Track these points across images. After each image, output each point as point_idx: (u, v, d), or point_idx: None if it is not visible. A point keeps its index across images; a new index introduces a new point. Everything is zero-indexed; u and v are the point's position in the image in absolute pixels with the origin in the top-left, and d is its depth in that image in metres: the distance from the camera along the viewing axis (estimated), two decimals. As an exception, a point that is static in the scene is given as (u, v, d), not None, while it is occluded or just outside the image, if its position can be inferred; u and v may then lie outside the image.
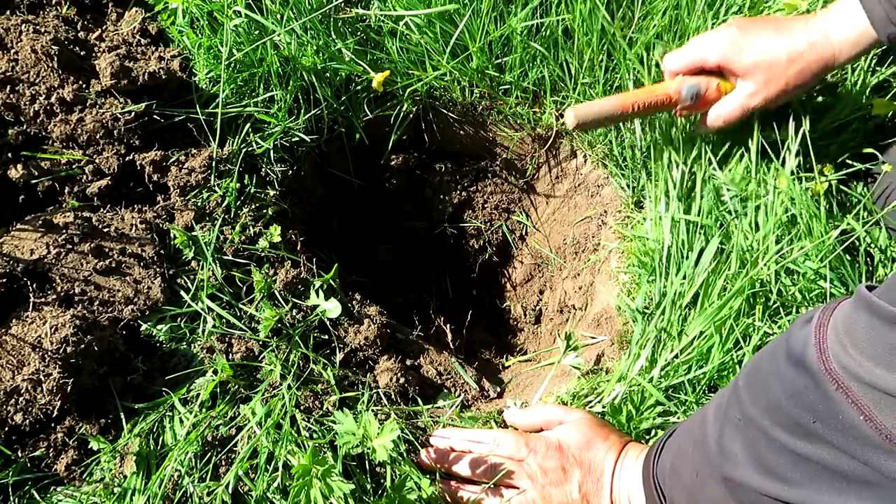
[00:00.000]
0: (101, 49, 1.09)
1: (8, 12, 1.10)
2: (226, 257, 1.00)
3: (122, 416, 0.86)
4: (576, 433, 0.86)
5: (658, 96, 1.02)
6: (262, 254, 1.04)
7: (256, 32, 1.12)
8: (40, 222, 0.94)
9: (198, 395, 0.88)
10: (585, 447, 0.85)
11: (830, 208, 1.00)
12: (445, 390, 1.05)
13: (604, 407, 0.94)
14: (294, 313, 0.98)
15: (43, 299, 0.89)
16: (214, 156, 1.05)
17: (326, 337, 0.99)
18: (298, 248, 1.10)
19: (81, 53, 1.07)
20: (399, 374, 0.97)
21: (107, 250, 0.95)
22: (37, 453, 0.83)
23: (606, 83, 1.20)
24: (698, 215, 1.04)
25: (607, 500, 0.83)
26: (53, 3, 1.16)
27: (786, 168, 1.03)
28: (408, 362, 1.04)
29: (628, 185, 1.18)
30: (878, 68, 1.17)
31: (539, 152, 1.38)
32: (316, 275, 1.04)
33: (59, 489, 0.84)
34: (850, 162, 1.09)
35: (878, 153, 1.07)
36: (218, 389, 0.89)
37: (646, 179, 1.14)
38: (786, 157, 1.06)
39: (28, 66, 1.02)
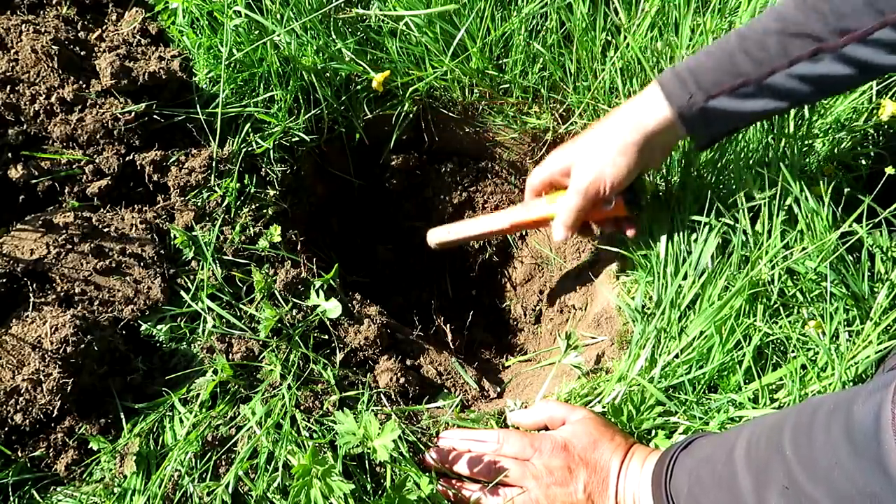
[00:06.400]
0: (101, 49, 1.09)
1: (8, 12, 1.10)
2: (226, 257, 1.00)
3: (122, 416, 0.86)
4: (582, 433, 0.86)
5: (535, 218, 1.11)
6: (262, 254, 1.04)
7: (256, 32, 1.12)
8: (40, 222, 0.94)
9: (198, 395, 0.88)
10: (591, 447, 0.85)
11: (832, 209, 1.00)
12: (445, 390, 1.04)
13: (604, 407, 0.93)
14: (294, 313, 0.98)
15: (43, 299, 0.89)
16: (214, 156, 1.05)
17: (326, 337, 0.99)
18: (298, 248, 1.10)
19: (81, 53, 1.07)
20: (399, 374, 0.97)
21: (107, 250, 0.95)
22: (37, 453, 0.83)
23: (604, 83, 1.20)
24: (698, 214, 1.04)
25: (612, 500, 0.83)
26: (53, 3, 1.16)
27: (788, 168, 1.03)
28: (408, 362, 1.04)
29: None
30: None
31: (539, 152, 1.38)
32: (316, 275, 1.04)
33: (59, 489, 0.84)
34: (854, 164, 1.09)
35: (884, 153, 1.07)
36: (218, 389, 0.89)
37: (646, 179, 1.13)
38: (788, 157, 1.06)
39: (28, 66, 1.02)
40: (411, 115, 1.29)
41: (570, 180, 1.02)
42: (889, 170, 0.98)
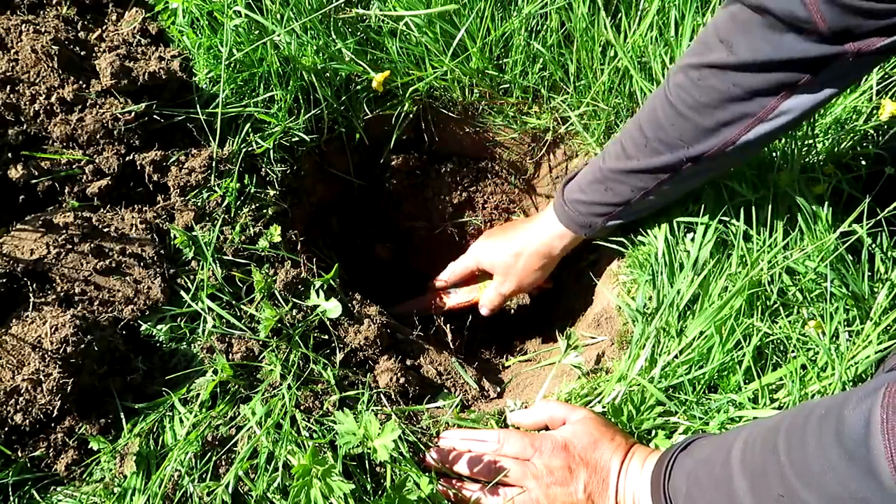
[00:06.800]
0: (101, 49, 1.09)
1: (8, 12, 1.10)
2: (226, 257, 1.00)
3: (122, 416, 0.86)
4: (582, 433, 0.86)
5: (467, 302, 1.39)
6: (262, 254, 1.04)
7: (256, 32, 1.12)
8: (40, 222, 0.94)
9: (198, 395, 0.88)
10: (592, 447, 0.85)
11: (832, 209, 1.00)
12: (445, 390, 1.04)
13: (604, 407, 0.93)
14: (294, 313, 0.98)
15: (43, 299, 0.89)
16: (214, 156, 1.05)
17: (326, 337, 0.99)
18: (298, 248, 1.10)
19: (81, 53, 1.07)
20: (399, 374, 0.97)
21: (107, 250, 0.95)
22: (37, 453, 0.83)
23: (605, 83, 1.20)
24: (698, 215, 1.04)
25: (612, 500, 0.84)
26: (53, 3, 1.16)
27: (787, 168, 1.03)
28: (408, 362, 1.04)
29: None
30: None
31: (539, 152, 1.38)
32: (316, 275, 1.04)
33: (59, 489, 0.84)
34: (853, 164, 1.09)
35: (884, 153, 1.07)
36: (218, 389, 0.89)
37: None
38: (788, 157, 1.06)
39: (28, 66, 1.02)
40: (411, 115, 1.29)
41: (494, 279, 1.27)
42: (889, 170, 0.98)
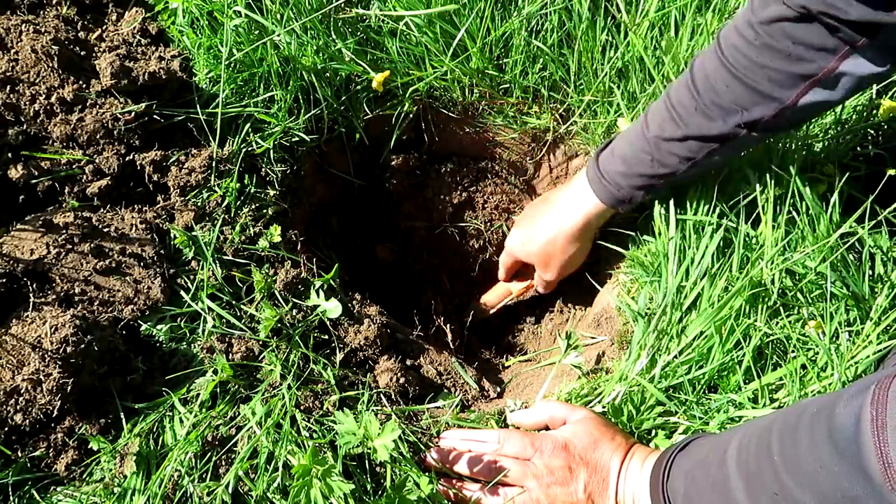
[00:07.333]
0: (101, 49, 1.09)
1: (8, 12, 1.10)
2: (226, 257, 1.00)
3: (122, 416, 0.86)
4: (583, 433, 0.86)
5: (502, 295, 1.44)
6: (262, 254, 1.04)
7: (256, 32, 1.12)
8: (40, 222, 0.94)
9: (198, 395, 0.88)
10: (592, 447, 0.85)
11: (832, 209, 1.00)
12: (445, 390, 1.04)
13: (604, 407, 0.93)
14: (294, 313, 0.97)
15: (43, 299, 0.89)
16: (214, 156, 1.05)
17: (326, 337, 0.99)
18: (298, 248, 1.10)
19: (81, 53, 1.07)
20: (399, 374, 0.97)
21: (107, 250, 0.95)
22: (37, 453, 0.83)
23: (607, 80, 1.20)
24: (701, 214, 1.04)
25: (612, 500, 0.84)
26: (53, 3, 1.16)
27: (788, 167, 1.03)
28: (408, 362, 1.04)
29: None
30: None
31: (539, 152, 1.38)
32: (316, 275, 1.04)
33: (59, 489, 0.84)
34: (853, 164, 1.09)
35: (884, 153, 1.07)
36: (218, 389, 0.89)
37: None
38: (788, 157, 1.06)
39: (28, 66, 1.02)
40: (411, 115, 1.29)
41: (536, 269, 1.24)
42: (890, 171, 0.98)
